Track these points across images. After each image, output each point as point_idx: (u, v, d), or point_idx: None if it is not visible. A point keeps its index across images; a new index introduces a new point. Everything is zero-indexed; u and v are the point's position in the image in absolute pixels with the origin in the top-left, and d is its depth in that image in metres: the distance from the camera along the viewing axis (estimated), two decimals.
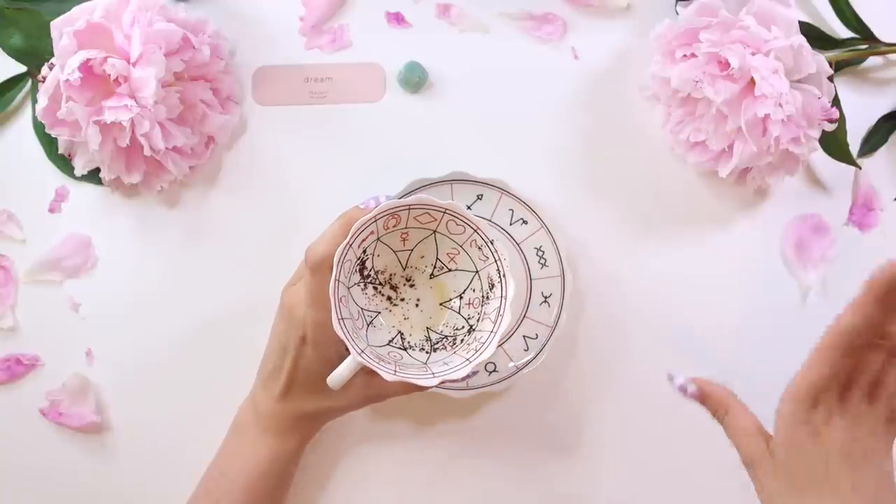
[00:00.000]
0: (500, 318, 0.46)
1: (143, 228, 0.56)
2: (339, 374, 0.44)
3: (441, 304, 0.50)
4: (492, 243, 0.46)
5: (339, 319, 0.44)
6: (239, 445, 0.50)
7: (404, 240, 0.49)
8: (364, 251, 0.47)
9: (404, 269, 0.50)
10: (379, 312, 0.49)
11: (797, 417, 0.42)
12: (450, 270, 0.50)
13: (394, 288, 0.50)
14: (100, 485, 0.55)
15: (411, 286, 0.50)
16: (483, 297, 0.48)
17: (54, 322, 0.56)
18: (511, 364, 0.53)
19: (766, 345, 0.56)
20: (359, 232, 0.45)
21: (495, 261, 0.47)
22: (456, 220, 0.47)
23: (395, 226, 0.47)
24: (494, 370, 0.53)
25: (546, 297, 0.54)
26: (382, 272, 0.49)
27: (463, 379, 0.45)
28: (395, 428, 0.55)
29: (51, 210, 0.56)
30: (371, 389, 0.47)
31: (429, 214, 0.47)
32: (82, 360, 0.56)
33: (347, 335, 0.44)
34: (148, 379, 0.56)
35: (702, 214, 0.57)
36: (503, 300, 0.46)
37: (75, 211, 0.56)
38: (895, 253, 0.56)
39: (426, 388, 0.44)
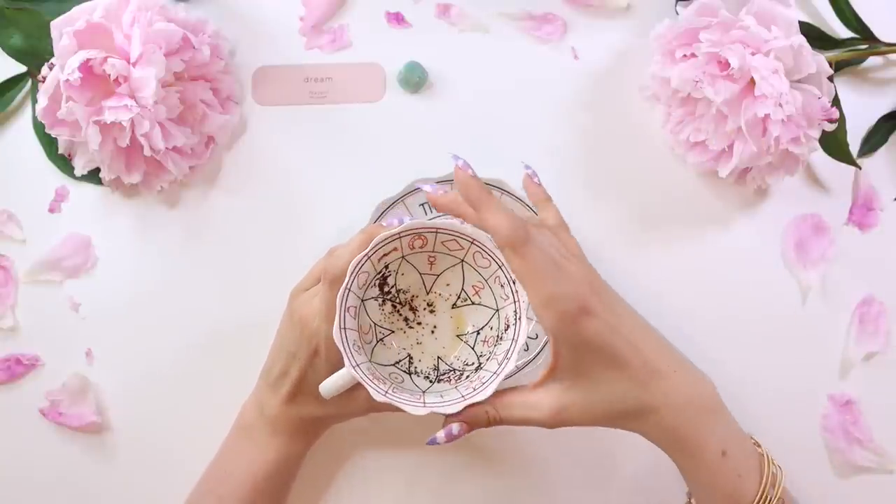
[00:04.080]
0: (506, 360, 0.45)
1: (143, 228, 0.56)
2: (332, 384, 0.44)
3: (458, 336, 0.49)
4: (513, 283, 0.46)
5: (340, 329, 0.43)
6: (244, 445, 0.50)
7: (431, 263, 0.48)
8: (386, 266, 0.47)
9: (427, 294, 0.49)
10: (392, 332, 0.49)
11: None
12: (473, 304, 0.49)
13: (413, 310, 0.49)
14: (100, 485, 0.55)
15: (431, 312, 0.49)
16: (497, 336, 0.48)
17: (54, 322, 0.56)
18: None
19: (765, 344, 0.56)
20: (380, 245, 0.44)
21: (514, 301, 0.46)
22: (483, 252, 0.46)
23: (421, 247, 0.47)
24: None
25: None
26: (405, 292, 0.49)
27: (453, 415, 0.43)
28: (393, 429, 0.55)
29: (51, 210, 0.56)
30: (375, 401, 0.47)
31: (457, 242, 0.46)
32: (82, 360, 0.56)
33: (346, 346, 0.43)
34: (148, 379, 0.56)
35: (702, 214, 0.57)
36: (514, 343, 0.45)
37: (75, 211, 0.56)
38: (895, 253, 0.57)
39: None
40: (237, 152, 0.57)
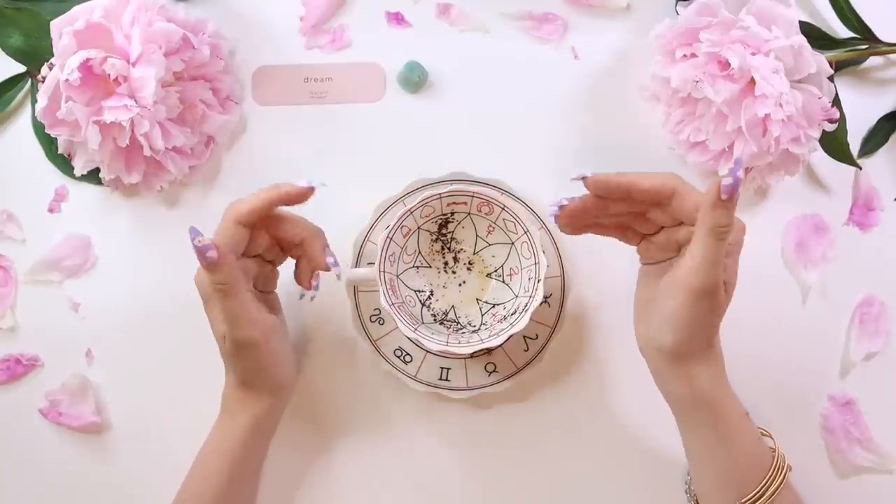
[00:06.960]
0: (496, 336, 0.49)
1: (142, 228, 0.56)
2: (355, 273, 0.50)
3: (476, 300, 0.53)
4: (538, 282, 0.49)
5: (388, 238, 0.49)
6: (210, 435, 0.50)
7: (489, 232, 0.53)
8: (452, 213, 0.52)
9: (474, 254, 0.54)
10: (430, 266, 0.53)
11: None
12: (503, 282, 0.53)
13: (455, 259, 0.54)
14: (100, 485, 0.55)
15: (468, 269, 0.54)
16: (504, 317, 0.51)
17: (54, 322, 0.56)
18: (511, 364, 0.53)
19: (765, 344, 0.56)
20: (450, 194, 0.50)
21: (530, 297, 0.49)
22: (529, 245, 0.50)
23: (487, 214, 0.52)
24: (494, 370, 0.53)
25: (546, 298, 0.54)
26: (458, 241, 0.53)
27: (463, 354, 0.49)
28: (392, 428, 0.55)
29: (50, 210, 0.56)
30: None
31: (515, 225, 0.51)
32: (82, 360, 0.56)
33: (384, 251, 0.49)
34: (148, 379, 0.56)
35: None
36: (511, 327, 0.49)
37: (75, 211, 0.56)
38: (895, 253, 0.57)
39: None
40: (237, 152, 0.57)
